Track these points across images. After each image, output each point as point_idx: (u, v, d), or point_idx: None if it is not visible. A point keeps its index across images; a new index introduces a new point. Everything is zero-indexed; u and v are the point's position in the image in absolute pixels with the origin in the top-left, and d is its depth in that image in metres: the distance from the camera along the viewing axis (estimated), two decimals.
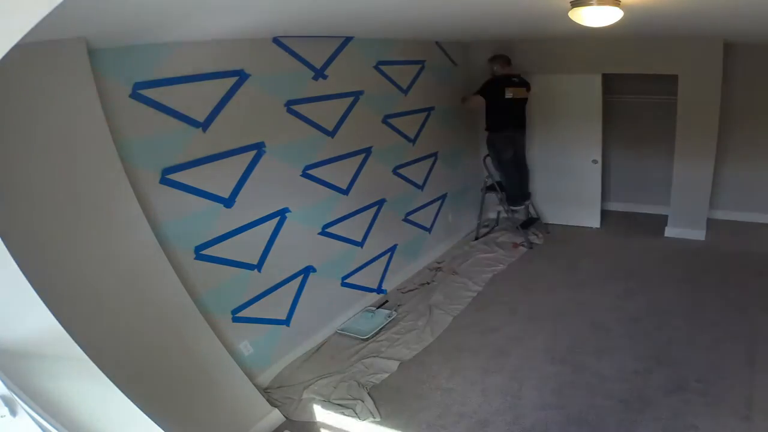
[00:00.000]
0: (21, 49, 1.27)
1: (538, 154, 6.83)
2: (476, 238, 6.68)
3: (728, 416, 3.26)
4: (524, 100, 6.09)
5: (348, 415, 3.58)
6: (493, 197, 6.69)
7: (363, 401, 3.68)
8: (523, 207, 6.66)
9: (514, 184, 6.40)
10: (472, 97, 6.02)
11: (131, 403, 1.71)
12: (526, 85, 6.02)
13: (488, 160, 6.44)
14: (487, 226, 7.06)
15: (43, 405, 1.48)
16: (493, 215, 7.18)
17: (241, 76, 3.60)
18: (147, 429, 1.78)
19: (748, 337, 4.06)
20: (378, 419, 3.55)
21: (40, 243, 2.42)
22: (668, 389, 3.56)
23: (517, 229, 6.48)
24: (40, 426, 1.40)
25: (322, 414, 3.65)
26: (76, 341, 1.59)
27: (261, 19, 3.01)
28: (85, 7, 1.85)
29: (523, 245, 6.34)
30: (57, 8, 1.21)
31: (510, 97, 5.85)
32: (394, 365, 4.11)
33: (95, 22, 2.24)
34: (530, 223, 6.78)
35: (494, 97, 5.91)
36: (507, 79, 5.90)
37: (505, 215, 6.81)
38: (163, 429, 1.82)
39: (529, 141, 6.81)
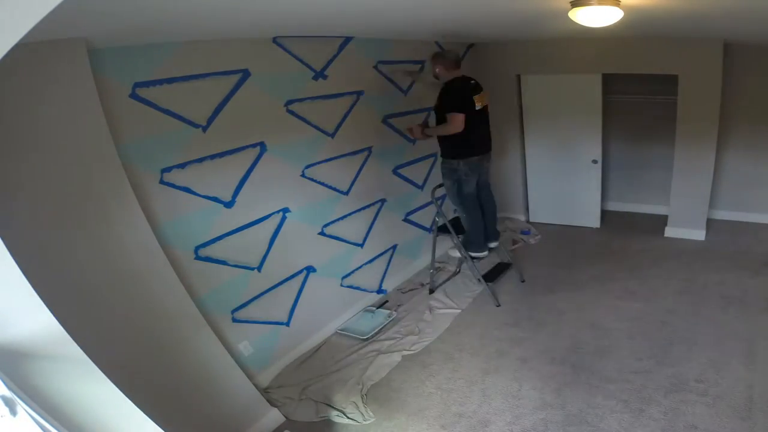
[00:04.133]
0: (21, 48, 1.27)
1: (538, 153, 6.82)
2: (431, 291, 5.36)
3: (728, 416, 3.26)
4: (486, 111, 4.73)
5: (345, 416, 3.60)
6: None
7: (356, 404, 3.71)
8: (487, 254, 5.14)
9: (477, 224, 4.93)
10: (454, 116, 4.34)
11: (131, 402, 1.71)
12: (482, 89, 4.68)
13: (441, 190, 5.08)
14: (440, 268, 5.86)
15: (43, 405, 1.48)
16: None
17: (244, 75, 3.60)
18: (146, 429, 1.78)
19: (748, 337, 4.06)
20: (371, 420, 3.57)
21: (40, 243, 2.42)
22: (668, 389, 3.56)
23: (479, 282, 5.23)
24: (40, 426, 1.40)
25: (321, 414, 3.66)
26: (76, 341, 1.59)
27: (261, 19, 3.01)
28: (85, 7, 1.85)
29: (497, 303, 5.02)
30: (57, 8, 1.21)
31: (479, 108, 4.52)
32: (394, 365, 4.12)
33: (95, 22, 2.24)
34: (500, 271, 5.49)
35: (467, 104, 4.45)
36: (467, 83, 4.55)
37: (463, 261, 5.38)
38: (162, 429, 1.82)
39: (529, 141, 6.83)
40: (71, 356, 1.58)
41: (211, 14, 2.56)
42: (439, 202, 5.09)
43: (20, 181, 2.36)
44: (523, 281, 5.47)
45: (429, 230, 6.04)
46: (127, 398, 1.70)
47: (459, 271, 5.78)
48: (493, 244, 5.15)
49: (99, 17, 2.15)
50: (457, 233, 5.05)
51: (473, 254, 4.99)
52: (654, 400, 3.47)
